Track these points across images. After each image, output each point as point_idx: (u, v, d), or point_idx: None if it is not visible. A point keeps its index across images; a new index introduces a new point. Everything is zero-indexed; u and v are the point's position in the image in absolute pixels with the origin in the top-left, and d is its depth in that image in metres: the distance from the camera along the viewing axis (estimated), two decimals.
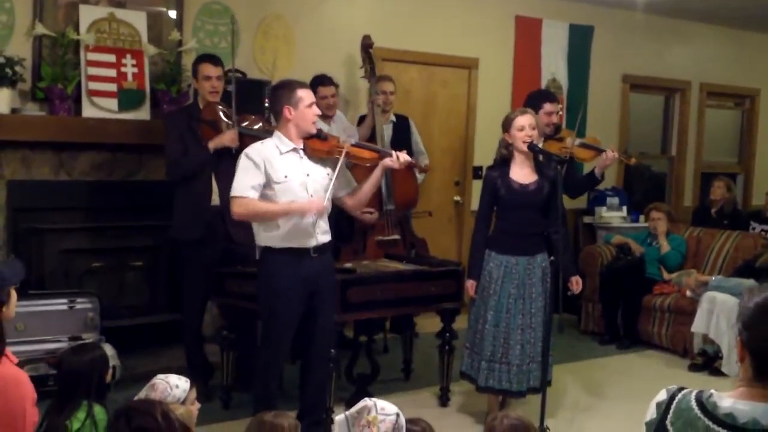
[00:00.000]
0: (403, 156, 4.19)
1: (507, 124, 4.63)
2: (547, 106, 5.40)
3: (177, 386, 2.97)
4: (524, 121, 4.60)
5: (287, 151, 4.11)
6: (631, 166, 9.10)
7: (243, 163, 4.05)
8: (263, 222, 4.08)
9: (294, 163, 4.11)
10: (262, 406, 4.13)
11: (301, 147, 4.14)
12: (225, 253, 5.03)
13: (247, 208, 4.00)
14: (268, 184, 4.04)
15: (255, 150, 4.08)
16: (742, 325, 1.84)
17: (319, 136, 4.18)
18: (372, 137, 6.09)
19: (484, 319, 4.65)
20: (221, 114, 4.94)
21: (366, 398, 2.67)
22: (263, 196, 4.04)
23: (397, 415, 2.61)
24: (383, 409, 2.60)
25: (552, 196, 4.61)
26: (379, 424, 2.53)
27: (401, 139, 6.53)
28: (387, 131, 6.52)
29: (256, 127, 4.95)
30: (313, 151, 4.15)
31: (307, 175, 4.12)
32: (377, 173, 4.26)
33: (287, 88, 4.14)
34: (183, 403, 2.92)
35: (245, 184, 4.00)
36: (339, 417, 2.61)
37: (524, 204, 4.63)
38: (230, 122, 4.87)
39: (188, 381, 3.03)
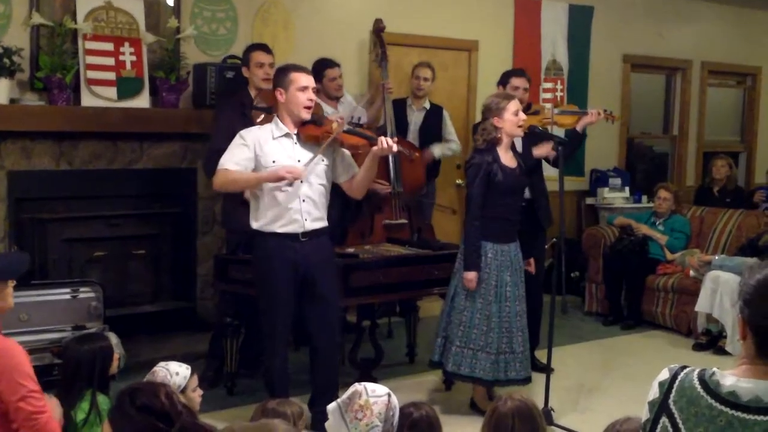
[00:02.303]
0: (389, 141, 4.08)
1: (498, 109, 4.55)
2: (514, 81, 5.52)
3: (177, 373, 2.98)
4: (517, 105, 4.59)
5: (280, 136, 4.13)
6: (634, 145, 9.18)
7: (234, 140, 4.14)
8: (235, 191, 4.18)
9: (285, 148, 4.11)
10: (270, 391, 4.18)
11: (295, 132, 4.13)
12: None
13: (223, 178, 4.09)
14: (258, 167, 4.08)
15: (249, 131, 4.18)
16: (744, 303, 1.83)
17: (315, 121, 4.15)
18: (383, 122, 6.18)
19: (485, 313, 4.56)
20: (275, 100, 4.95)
21: (355, 384, 2.67)
22: None
23: (389, 395, 2.62)
24: (374, 391, 2.60)
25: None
26: (372, 406, 2.54)
27: (432, 127, 6.58)
28: (418, 118, 6.59)
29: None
30: (306, 137, 4.13)
31: (298, 161, 4.09)
32: (367, 161, 4.19)
33: (282, 71, 4.17)
34: (184, 389, 2.93)
35: (229, 158, 4.08)
36: (331, 405, 2.61)
37: (517, 188, 4.63)
38: None
39: (189, 368, 3.04)
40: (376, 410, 2.54)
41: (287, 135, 4.13)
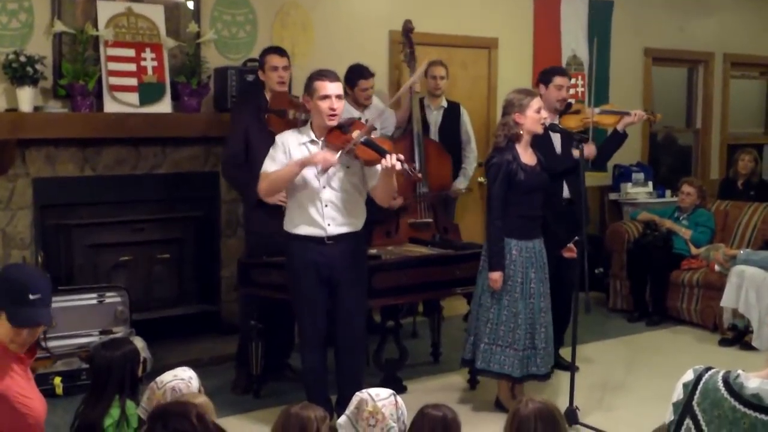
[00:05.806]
0: (392, 161, 3.88)
1: (521, 106, 4.53)
2: (557, 80, 5.42)
3: (190, 378, 3.06)
4: (539, 103, 4.58)
5: (305, 142, 4.18)
6: (658, 140, 9.12)
7: (273, 146, 4.25)
8: (280, 189, 4.28)
9: (309, 154, 4.14)
10: (306, 392, 4.27)
11: (322, 138, 4.16)
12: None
13: (265, 180, 4.19)
14: None
15: (282, 135, 4.28)
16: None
17: (341, 127, 4.15)
18: (409, 123, 6.18)
19: (512, 311, 4.55)
20: (288, 103, 4.99)
21: (356, 392, 2.67)
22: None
23: (393, 395, 2.63)
24: (378, 395, 2.60)
25: (575, 173, 4.71)
26: (382, 410, 2.54)
27: (450, 125, 6.56)
28: (437, 117, 6.58)
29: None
30: (329, 144, 4.14)
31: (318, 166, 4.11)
32: (380, 174, 4.09)
33: (309, 78, 4.20)
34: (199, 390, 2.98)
35: (268, 161, 4.20)
36: (341, 419, 2.61)
37: (539, 186, 4.61)
38: (297, 111, 4.89)
39: (190, 369, 3.10)
40: (388, 413, 2.55)
41: (312, 141, 4.17)
